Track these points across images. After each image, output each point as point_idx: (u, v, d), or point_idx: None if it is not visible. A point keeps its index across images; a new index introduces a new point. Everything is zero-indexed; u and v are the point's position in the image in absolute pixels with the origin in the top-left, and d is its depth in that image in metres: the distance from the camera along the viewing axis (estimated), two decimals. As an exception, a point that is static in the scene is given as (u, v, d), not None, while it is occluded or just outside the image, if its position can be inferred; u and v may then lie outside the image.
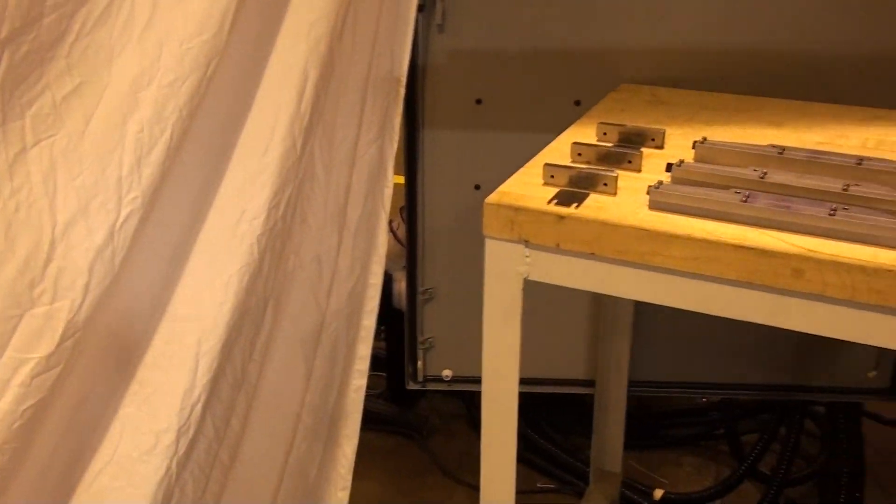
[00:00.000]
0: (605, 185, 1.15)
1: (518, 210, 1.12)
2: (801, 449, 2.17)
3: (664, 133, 1.30)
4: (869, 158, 1.17)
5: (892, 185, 1.13)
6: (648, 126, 1.32)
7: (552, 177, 1.17)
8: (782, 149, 1.21)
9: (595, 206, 1.12)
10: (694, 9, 1.56)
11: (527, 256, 1.13)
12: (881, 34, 1.53)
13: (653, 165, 1.24)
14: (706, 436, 2.42)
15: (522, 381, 1.92)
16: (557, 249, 1.11)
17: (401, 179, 1.69)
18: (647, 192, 1.11)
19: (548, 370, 1.82)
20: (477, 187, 1.70)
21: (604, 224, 1.08)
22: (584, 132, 1.36)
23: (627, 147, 1.28)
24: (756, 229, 1.05)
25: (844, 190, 1.09)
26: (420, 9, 1.53)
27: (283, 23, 1.22)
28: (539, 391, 1.88)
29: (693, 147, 1.25)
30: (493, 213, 1.13)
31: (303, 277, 1.51)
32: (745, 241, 1.02)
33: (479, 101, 1.65)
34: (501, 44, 1.61)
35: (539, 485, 2.28)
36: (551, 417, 2.32)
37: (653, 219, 1.08)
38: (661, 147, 1.30)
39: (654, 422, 2.43)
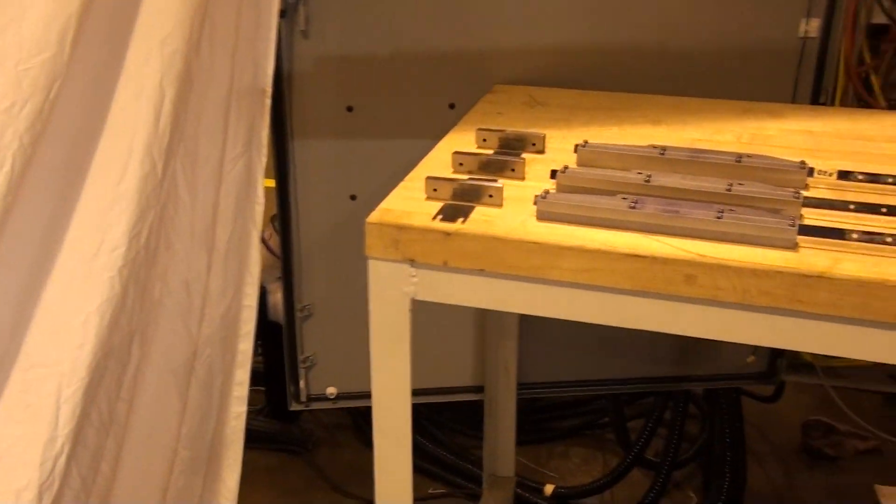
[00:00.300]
0: (491, 196, 1.10)
1: (402, 229, 1.06)
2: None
3: (544, 137, 1.27)
4: (747, 156, 1.17)
5: (770, 182, 1.13)
6: (528, 130, 1.28)
7: (435, 190, 1.12)
8: (663, 149, 1.20)
9: (482, 219, 1.07)
10: (564, 8, 1.53)
11: (413, 276, 1.08)
12: (743, 28, 1.55)
13: (536, 172, 1.20)
14: (592, 425, 2.43)
15: (414, 392, 1.89)
16: (445, 267, 1.06)
17: (271, 183, 1.61)
18: (535, 203, 1.07)
19: (435, 379, 1.77)
20: (353, 197, 1.63)
21: (492, 239, 1.04)
22: (463, 139, 1.31)
23: (509, 154, 1.24)
24: (647, 236, 1.03)
25: (728, 190, 1.08)
26: (282, 14, 1.45)
27: (133, 38, 1.12)
28: (427, 401, 1.84)
29: (575, 151, 1.22)
30: (375, 232, 1.07)
31: (171, 305, 1.41)
32: (637, 250, 1.00)
33: (349, 109, 1.58)
34: (370, 48, 1.54)
35: (430, 490, 2.24)
36: (435, 418, 2.28)
37: (542, 231, 1.04)
38: (542, 152, 1.27)
39: (539, 415, 2.42)
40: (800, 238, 0.99)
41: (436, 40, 1.55)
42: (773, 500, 2.22)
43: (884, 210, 1.03)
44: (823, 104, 1.59)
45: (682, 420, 2.10)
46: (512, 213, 1.09)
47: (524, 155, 1.25)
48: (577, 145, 1.23)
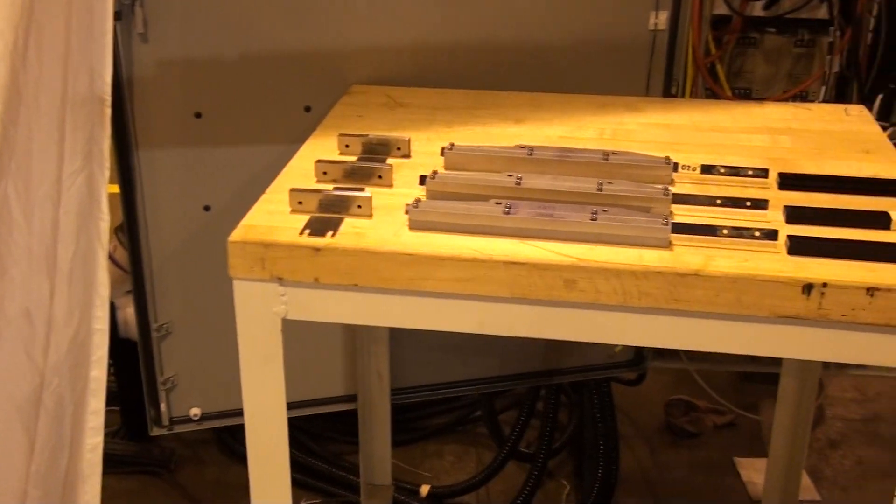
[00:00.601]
0: (360, 207, 1.06)
1: (268, 246, 1.00)
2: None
3: (409, 141, 1.23)
4: (613, 153, 1.17)
5: (638, 179, 1.13)
6: (392, 134, 1.24)
7: (300, 203, 1.06)
8: (531, 149, 1.18)
9: (352, 232, 1.02)
10: (418, 4, 1.49)
11: (282, 295, 1.02)
12: (596, 22, 1.55)
13: (405, 178, 1.16)
14: (464, 420, 2.42)
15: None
16: (316, 284, 1.01)
17: (116, 189, 1.50)
18: (406, 212, 1.03)
19: (306, 390, 1.71)
20: (206, 208, 1.54)
21: (365, 253, 0.99)
22: (324, 145, 1.26)
23: (374, 160, 1.19)
24: (523, 241, 1.00)
25: (599, 190, 1.07)
26: (117, 17, 1.35)
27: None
28: (300, 414, 1.78)
29: (442, 154, 1.19)
30: (239, 252, 1.00)
31: (11, 336, 1.30)
32: (515, 257, 0.97)
33: (198, 115, 1.49)
34: (216, 50, 1.46)
35: (304, 502, 2.18)
36: (305, 426, 2.22)
37: (415, 241, 1.00)
38: (408, 156, 1.23)
39: (409, 414, 2.39)
40: (673, 236, 0.99)
41: (287, 40, 1.48)
42: (641, 480, 2.28)
43: (748, 203, 1.05)
44: (675, 96, 1.62)
45: (554, 410, 2.12)
46: (383, 223, 1.04)
47: (390, 160, 1.21)
48: (443, 148, 1.19)
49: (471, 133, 1.31)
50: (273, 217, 1.05)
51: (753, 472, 2.21)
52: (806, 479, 2.14)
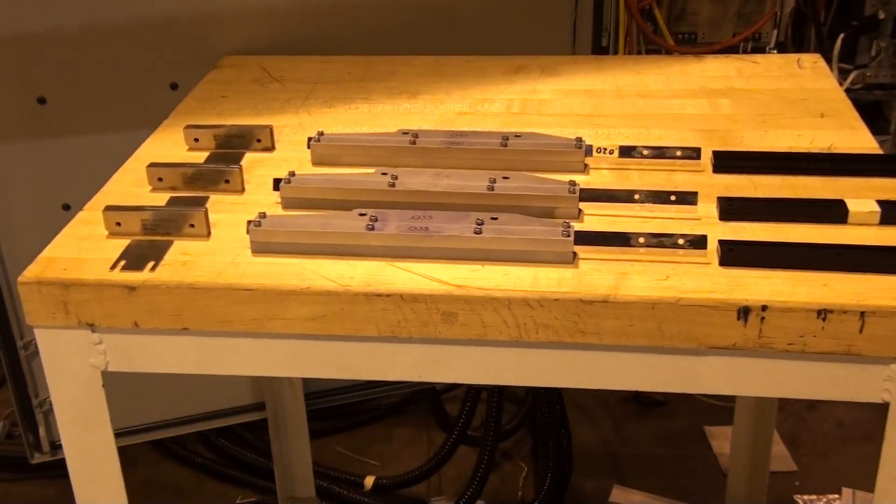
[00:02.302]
0: (193, 226, 0.85)
1: (69, 286, 0.79)
2: (510, 393, 2.06)
3: (271, 130, 1.01)
4: (514, 135, 0.96)
5: (543, 168, 0.93)
6: (251, 124, 1.03)
7: (118, 224, 0.85)
8: (415, 135, 0.97)
9: (179, 261, 0.81)
10: (294, -45, 1.27)
11: (98, 343, 0.82)
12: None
13: (260, 180, 0.95)
14: (414, 399, 2.24)
15: (188, 421, 1.63)
16: (137, 329, 0.81)
17: None
18: (248, 231, 0.83)
19: (210, 401, 1.53)
20: (66, 207, 1.33)
21: (191, 289, 0.79)
22: (172, 139, 1.04)
23: (227, 158, 0.98)
24: (391, 263, 0.80)
25: (490, 188, 0.86)
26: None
27: None
28: (206, 427, 1.59)
29: (308, 146, 0.98)
30: (33, 294, 0.80)
31: None
32: (379, 287, 0.77)
33: (41, 101, 1.26)
34: (54, 21, 1.23)
35: (239, 501, 2.00)
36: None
37: (257, 270, 0.80)
38: (270, 149, 1.01)
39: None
40: (578, 248, 0.79)
41: (141, 5, 1.26)
42: (604, 455, 2.12)
43: (673, 198, 0.85)
44: (606, 49, 1.41)
45: (500, 389, 1.94)
46: (221, 246, 0.84)
47: (249, 155, 1.00)
48: (310, 139, 0.98)
49: (353, 114, 1.10)
50: (84, 245, 0.84)
51: (725, 441, 2.05)
52: (781, 448, 1.98)
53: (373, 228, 0.81)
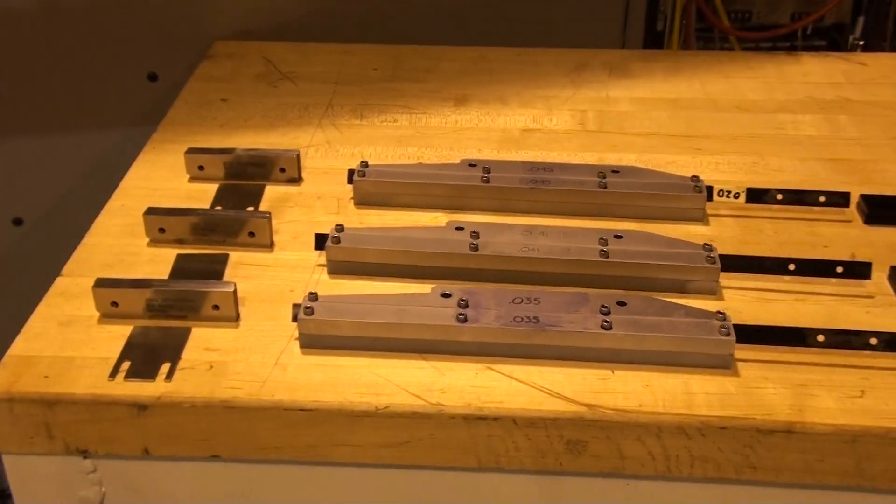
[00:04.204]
0: (218, 307, 0.64)
1: (54, 404, 0.58)
2: None
3: (298, 157, 0.80)
4: (612, 171, 0.76)
5: (646, 215, 0.74)
6: (272, 149, 0.81)
7: (115, 305, 0.64)
8: (486, 169, 0.77)
9: (203, 361, 0.61)
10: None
11: (91, 472, 0.61)
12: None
13: (291, 229, 0.74)
14: None
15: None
16: (148, 456, 0.60)
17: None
18: (295, 319, 0.62)
19: None
20: (18, 222, 1.10)
21: (227, 408, 0.58)
22: (166, 162, 0.82)
23: (244, 192, 0.77)
24: (490, 366, 0.61)
25: (603, 255, 0.67)
26: None
27: None
28: None
29: (349, 179, 0.77)
30: (2, 414, 0.58)
31: None
32: (482, 408, 0.58)
33: (-11, 96, 1.03)
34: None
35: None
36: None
37: (314, 378, 0.59)
38: (296, 180, 0.80)
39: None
40: (737, 348, 0.61)
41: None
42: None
43: (840, 270, 0.66)
44: (662, 33, 1.21)
45: None
46: (257, 336, 0.63)
47: (270, 188, 0.79)
48: (352, 171, 0.77)
49: (392, 128, 0.89)
50: (69, 335, 0.63)
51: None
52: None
53: (465, 319, 0.61)
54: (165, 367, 0.60)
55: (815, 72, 0.99)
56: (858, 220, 0.75)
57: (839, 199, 0.74)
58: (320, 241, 0.69)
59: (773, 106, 0.92)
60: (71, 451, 0.60)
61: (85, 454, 0.60)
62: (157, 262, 0.70)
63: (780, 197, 0.75)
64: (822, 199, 0.74)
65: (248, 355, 0.61)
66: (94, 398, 0.58)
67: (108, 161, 1.06)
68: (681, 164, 0.83)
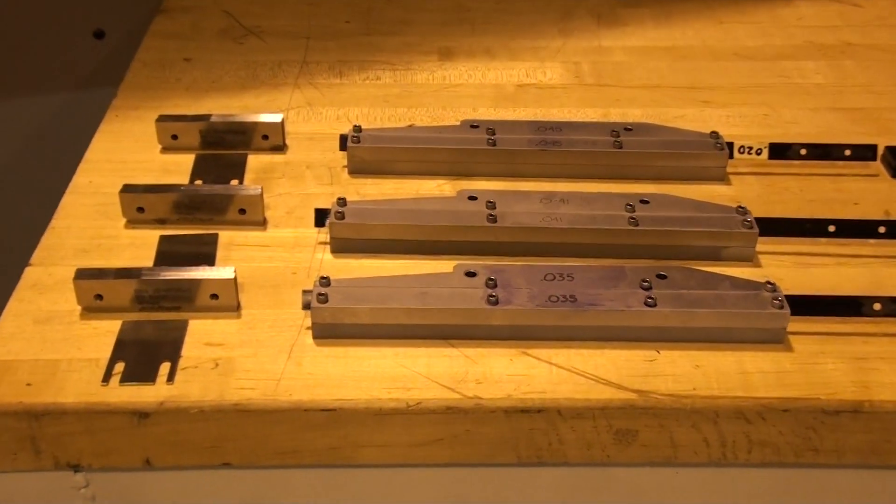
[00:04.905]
0: (216, 297, 0.57)
1: (40, 416, 0.51)
2: None
3: (283, 124, 0.73)
4: (625, 128, 0.71)
5: (665, 176, 0.69)
6: (252, 115, 0.73)
7: (99, 298, 0.57)
8: (490, 130, 0.71)
9: (207, 358, 0.54)
10: None
11: (83, 487, 0.54)
12: None
13: (283, 202, 0.67)
14: None
15: None
16: (149, 468, 0.54)
17: None
18: (307, 307, 0.56)
19: None
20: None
21: (239, 412, 0.52)
22: (132, 131, 0.74)
23: (226, 163, 0.69)
24: (526, 351, 0.55)
25: (633, 223, 0.62)
26: None
27: None
28: None
29: (342, 146, 0.70)
30: (-16, 431, 0.51)
31: None
32: (524, 398, 0.52)
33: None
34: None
35: None
36: None
37: (331, 371, 0.53)
38: (281, 147, 0.73)
39: None
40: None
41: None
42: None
43: (882, 230, 0.63)
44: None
45: None
46: (263, 328, 0.56)
47: (253, 157, 0.72)
48: (344, 137, 0.70)
49: (377, 86, 0.82)
50: (49, 333, 0.55)
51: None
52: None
53: (496, 301, 0.55)
54: (165, 368, 0.53)
55: (809, 15, 0.95)
56: (885, 173, 0.71)
57: (865, 153, 0.70)
58: (321, 217, 0.63)
59: (773, 52, 0.88)
60: (61, 466, 0.53)
61: (76, 468, 0.53)
62: (139, 246, 0.62)
63: (803, 152, 0.70)
64: (847, 152, 0.70)
65: (257, 349, 0.55)
66: (87, 407, 0.51)
67: (52, 129, 0.97)
68: (690, 119, 0.78)
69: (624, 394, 0.53)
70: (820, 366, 0.54)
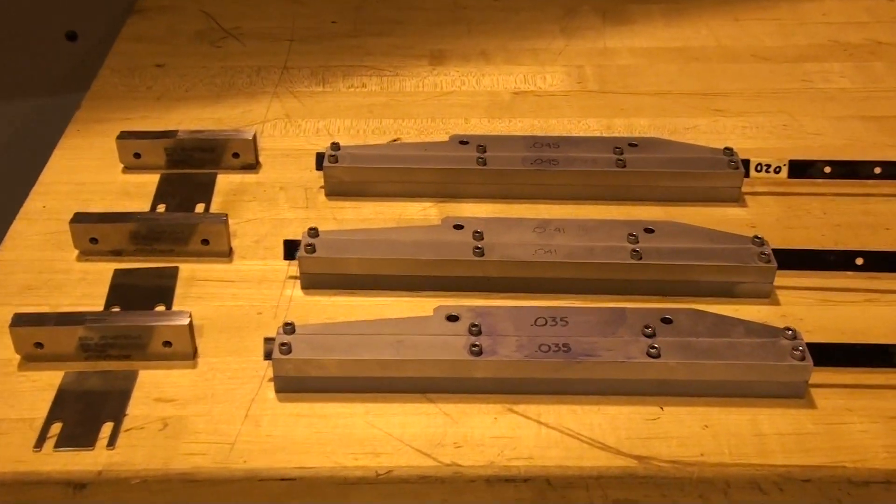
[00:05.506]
0: (170, 344, 0.51)
1: (-34, 489, 0.46)
2: None
3: (255, 140, 0.67)
4: (629, 144, 0.64)
5: (673, 197, 0.63)
6: (221, 130, 0.67)
7: (40, 346, 0.51)
8: (481, 148, 0.64)
9: (156, 417, 0.48)
10: None
11: (23, 560, 0.49)
12: None
13: (253, 229, 0.61)
14: None
15: None
16: (91, 540, 0.48)
17: None
18: (268, 357, 0.50)
19: None
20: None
21: (188, 482, 0.46)
22: (94, 148, 0.68)
23: (182, 192, 0.63)
24: (512, 408, 0.49)
25: (636, 257, 0.56)
26: None
27: None
28: None
29: (318, 165, 0.64)
30: None
31: None
32: (509, 465, 0.46)
33: None
34: None
35: None
36: None
37: (295, 433, 0.47)
38: (253, 166, 0.67)
39: None
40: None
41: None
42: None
43: (916, 262, 0.56)
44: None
45: None
46: (221, 380, 0.51)
47: (223, 177, 0.66)
48: (320, 156, 0.64)
49: (361, 94, 0.75)
50: (-19, 389, 0.50)
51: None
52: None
53: (479, 351, 0.49)
54: (107, 429, 0.48)
55: (835, 10, 0.87)
56: (917, 193, 0.65)
57: (893, 169, 0.64)
58: (290, 250, 0.57)
59: (795, 53, 0.81)
60: (-11, 541, 0.48)
61: (9, 543, 0.48)
62: (91, 282, 0.57)
63: (828, 170, 0.64)
64: (877, 170, 0.64)
65: (211, 406, 0.49)
66: (16, 477, 0.46)
67: (20, 138, 0.92)
68: (702, 130, 0.71)
69: (622, 460, 0.47)
70: (847, 426, 0.48)
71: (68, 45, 0.91)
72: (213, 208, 0.63)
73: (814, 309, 0.55)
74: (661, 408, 0.49)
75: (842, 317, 0.55)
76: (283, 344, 0.49)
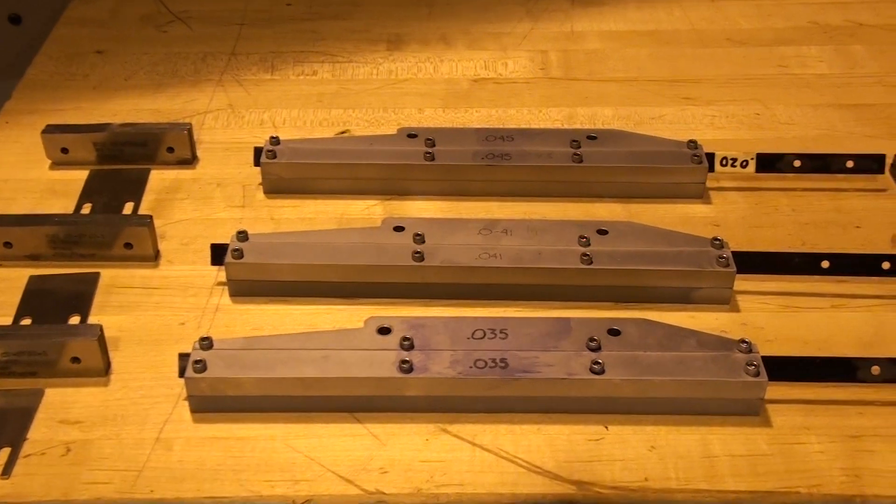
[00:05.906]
0: (78, 360, 0.48)
1: None
2: None
3: (190, 132, 0.63)
4: (587, 137, 0.60)
5: (632, 193, 0.59)
6: (156, 124, 0.64)
7: (-62, 364, 0.48)
8: (430, 141, 0.60)
9: (59, 441, 0.45)
10: None
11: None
12: None
13: (183, 231, 0.58)
14: None
15: None
16: (-7, 572, 0.45)
17: None
18: (182, 375, 0.46)
19: None
20: None
21: (89, 514, 0.43)
22: (20, 144, 0.64)
23: (113, 197, 0.60)
24: (445, 428, 0.46)
25: (586, 262, 0.52)
26: None
27: None
28: None
29: (256, 161, 0.60)
30: None
31: None
32: (438, 494, 0.43)
33: None
34: None
35: None
36: None
37: (210, 459, 0.44)
38: (189, 161, 0.63)
39: None
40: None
41: None
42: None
43: (886, 266, 0.52)
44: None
45: None
46: (133, 399, 0.47)
47: (156, 173, 0.62)
48: (258, 150, 0.60)
49: (311, 83, 0.71)
50: None
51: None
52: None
53: (410, 368, 0.46)
54: (3, 455, 0.44)
55: (814, -11, 0.83)
56: (894, 187, 0.61)
57: (871, 164, 0.60)
58: (218, 255, 0.53)
59: (772, 36, 0.77)
60: None
61: None
62: (3, 290, 0.53)
63: (797, 164, 0.60)
64: (850, 164, 0.60)
65: (120, 429, 0.46)
66: None
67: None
68: (669, 120, 0.67)
69: (560, 486, 0.43)
70: (803, 447, 0.45)
71: (11, 28, 0.87)
72: (144, 207, 0.59)
73: (776, 316, 0.52)
74: (607, 427, 0.46)
75: (805, 324, 0.51)
76: (196, 361, 0.46)
